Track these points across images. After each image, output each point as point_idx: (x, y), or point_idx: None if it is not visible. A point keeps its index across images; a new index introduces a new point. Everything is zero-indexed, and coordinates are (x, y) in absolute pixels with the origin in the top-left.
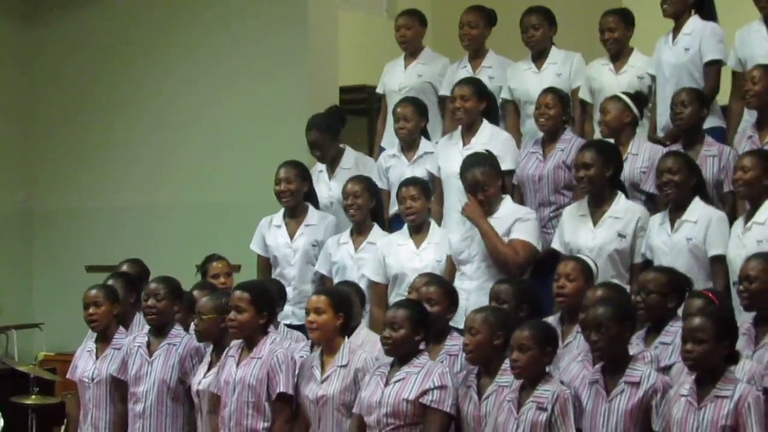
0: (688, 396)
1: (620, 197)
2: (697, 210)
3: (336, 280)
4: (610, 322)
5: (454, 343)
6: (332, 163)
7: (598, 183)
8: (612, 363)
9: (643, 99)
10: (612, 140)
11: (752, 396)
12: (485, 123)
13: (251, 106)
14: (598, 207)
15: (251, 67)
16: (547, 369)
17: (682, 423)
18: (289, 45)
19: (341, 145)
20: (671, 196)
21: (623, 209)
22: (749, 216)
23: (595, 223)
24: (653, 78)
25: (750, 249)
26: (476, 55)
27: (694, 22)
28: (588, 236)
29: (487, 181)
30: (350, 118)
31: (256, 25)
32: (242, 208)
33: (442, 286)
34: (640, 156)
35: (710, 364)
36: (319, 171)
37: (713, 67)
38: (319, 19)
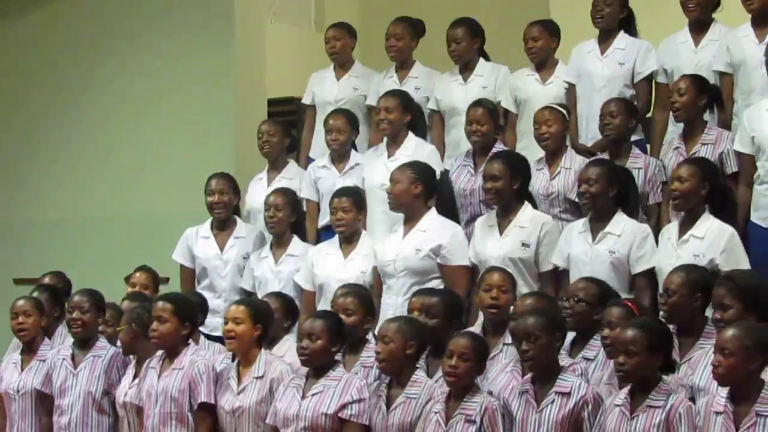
0: (621, 406)
1: (527, 207)
2: (622, 223)
3: (259, 295)
4: (541, 331)
5: (370, 354)
6: (273, 170)
7: (506, 194)
8: (542, 373)
9: (567, 110)
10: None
11: (684, 406)
12: (410, 135)
13: (179, 119)
14: (505, 217)
15: (179, 80)
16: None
17: None
18: (217, 57)
19: (288, 159)
20: (588, 205)
21: (529, 219)
22: (686, 227)
23: (501, 232)
24: (571, 86)
25: (685, 261)
26: (403, 66)
27: (626, 38)
28: (495, 246)
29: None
30: None
31: (183, 37)
32: (170, 220)
33: (358, 296)
34: (573, 170)
35: (642, 376)
36: (259, 179)
37: (647, 83)
38: (246, 31)
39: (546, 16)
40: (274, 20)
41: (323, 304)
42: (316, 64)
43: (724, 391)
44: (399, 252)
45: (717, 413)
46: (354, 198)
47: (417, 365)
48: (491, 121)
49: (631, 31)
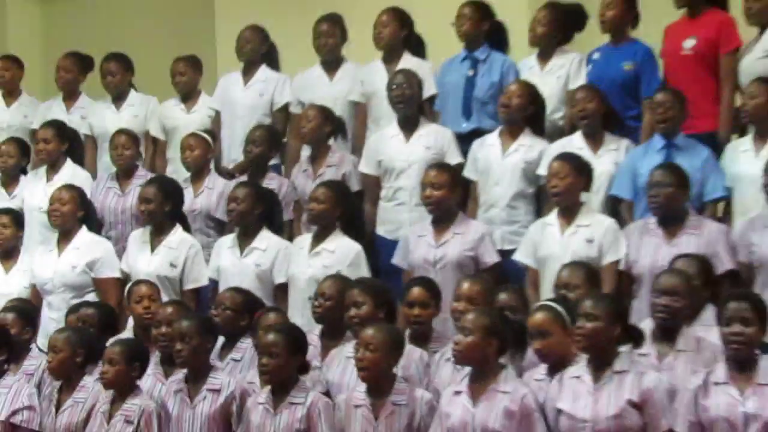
0: (265, 404)
1: (178, 229)
2: (267, 239)
3: None
4: (194, 333)
5: (32, 363)
6: None
7: (158, 215)
8: (195, 372)
9: (213, 135)
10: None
11: (321, 402)
12: (68, 162)
13: None
14: (157, 236)
15: None
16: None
17: (260, 428)
18: None
19: None
20: (234, 222)
21: (178, 240)
22: (318, 241)
23: (153, 249)
24: (217, 113)
25: (316, 271)
26: (70, 96)
27: (267, 71)
28: (145, 262)
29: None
30: None
31: None
32: None
33: (18, 312)
34: (215, 190)
35: (283, 375)
36: None
37: (282, 113)
38: None
39: (213, 52)
40: None
41: None
42: None
43: (362, 386)
44: (56, 270)
45: (356, 406)
46: (12, 216)
47: (85, 371)
48: (134, 145)
49: (273, 64)
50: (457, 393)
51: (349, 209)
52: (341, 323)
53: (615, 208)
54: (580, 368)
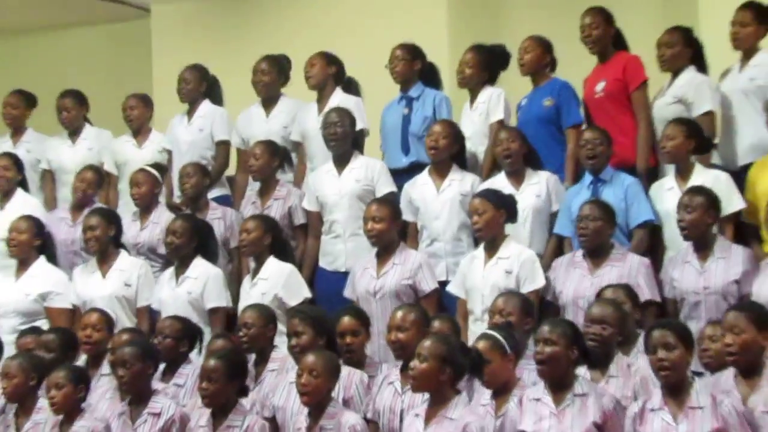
0: (205, 427)
1: (123, 254)
2: (198, 267)
3: None
4: (135, 359)
5: None
6: None
7: (103, 243)
8: (137, 396)
9: (164, 169)
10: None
11: (258, 425)
12: (19, 190)
13: None
14: (104, 263)
15: None
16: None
17: None
18: None
19: None
20: (172, 255)
21: (127, 264)
22: (255, 273)
23: (104, 275)
24: (168, 151)
25: (255, 299)
26: (17, 132)
27: (207, 106)
28: (99, 287)
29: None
30: None
31: None
32: None
33: None
34: (160, 225)
35: (222, 399)
36: None
37: (223, 146)
38: None
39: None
40: None
41: None
42: None
43: (306, 410)
44: (10, 295)
45: (298, 430)
46: None
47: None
48: (96, 180)
49: (215, 98)
50: (417, 416)
51: (277, 236)
52: (268, 347)
53: (561, 245)
54: (538, 391)
